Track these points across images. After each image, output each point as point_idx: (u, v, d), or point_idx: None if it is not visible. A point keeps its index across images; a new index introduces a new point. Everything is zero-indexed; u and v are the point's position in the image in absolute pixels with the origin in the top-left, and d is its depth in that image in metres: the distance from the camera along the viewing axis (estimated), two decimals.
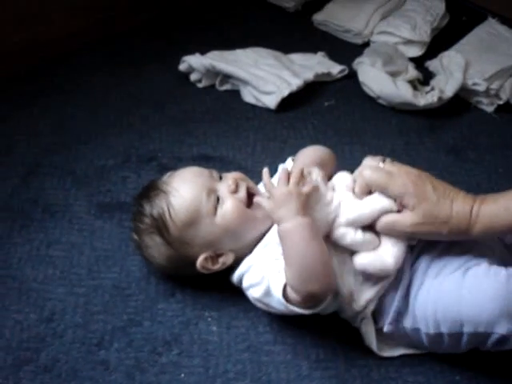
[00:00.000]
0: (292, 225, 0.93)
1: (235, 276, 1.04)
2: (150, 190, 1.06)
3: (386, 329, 0.99)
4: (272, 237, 1.01)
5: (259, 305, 1.01)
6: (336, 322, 1.03)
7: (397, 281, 0.98)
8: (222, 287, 1.08)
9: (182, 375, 0.99)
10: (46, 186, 1.30)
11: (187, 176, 1.06)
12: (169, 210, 1.01)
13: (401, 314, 0.98)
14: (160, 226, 1.02)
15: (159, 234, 1.02)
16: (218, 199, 1.03)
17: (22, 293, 1.09)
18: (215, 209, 1.02)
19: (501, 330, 0.89)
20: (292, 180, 0.95)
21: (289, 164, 1.14)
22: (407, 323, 0.98)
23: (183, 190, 1.03)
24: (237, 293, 1.05)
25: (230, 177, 1.06)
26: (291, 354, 1.02)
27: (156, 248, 1.04)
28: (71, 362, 1.00)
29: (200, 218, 1.01)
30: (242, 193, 1.04)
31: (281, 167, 1.15)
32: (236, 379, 0.98)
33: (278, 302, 0.96)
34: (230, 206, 1.02)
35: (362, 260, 0.95)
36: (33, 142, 1.42)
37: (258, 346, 1.02)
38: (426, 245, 0.99)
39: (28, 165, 1.35)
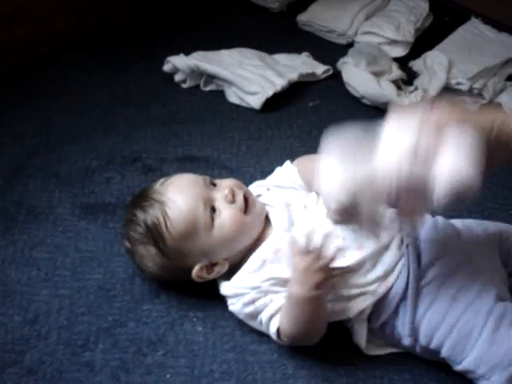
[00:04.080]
0: (304, 295, 0.93)
1: (222, 292, 1.04)
2: (143, 199, 1.04)
3: (379, 329, 0.99)
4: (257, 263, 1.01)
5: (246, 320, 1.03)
6: None
7: (399, 283, 0.97)
8: (207, 288, 1.07)
9: (168, 376, 0.98)
10: (29, 188, 1.29)
11: (182, 185, 1.04)
12: (165, 222, 1.00)
13: (400, 321, 0.97)
14: (156, 237, 1.00)
15: (154, 244, 1.01)
16: (214, 209, 1.01)
17: (5, 295, 1.08)
18: (212, 220, 1.01)
19: (497, 380, 0.90)
20: (325, 260, 0.93)
21: (287, 168, 1.14)
22: (405, 331, 0.97)
23: (179, 200, 1.01)
24: None
25: (226, 185, 1.04)
26: (277, 353, 1.01)
27: (150, 258, 1.03)
28: (56, 364, 0.99)
29: (197, 229, 1.00)
30: (240, 202, 1.03)
31: (278, 170, 1.15)
32: (221, 379, 0.98)
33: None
34: (227, 216, 1.01)
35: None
36: (16, 143, 1.41)
37: (244, 346, 1.02)
38: (435, 259, 0.98)
39: (11, 166, 1.35)
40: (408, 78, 1.64)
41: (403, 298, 0.97)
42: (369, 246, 0.98)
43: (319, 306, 0.95)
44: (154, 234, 1.00)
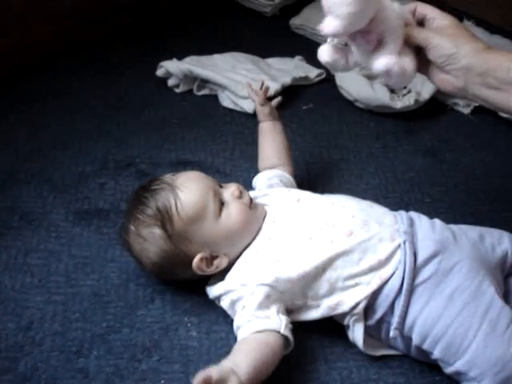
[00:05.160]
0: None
1: (213, 294, 1.05)
2: (154, 184, 1.06)
3: (375, 327, 1.00)
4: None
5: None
6: (316, 325, 1.03)
7: (396, 279, 0.97)
8: (201, 293, 1.07)
9: (163, 381, 0.98)
10: (22, 194, 1.29)
11: (193, 176, 1.08)
12: (176, 204, 1.01)
13: (394, 317, 0.97)
14: (164, 218, 1.01)
15: (161, 226, 1.02)
16: (222, 203, 1.05)
17: None
18: (220, 210, 1.03)
19: None
20: None
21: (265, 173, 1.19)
22: (395, 324, 0.98)
23: (191, 186, 1.04)
24: None
25: (232, 185, 1.08)
26: None
27: (153, 241, 1.03)
28: (50, 371, 0.99)
29: (206, 215, 1.02)
30: (247, 197, 1.07)
31: (259, 176, 1.18)
32: None
33: None
34: (235, 209, 1.04)
35: (386, 60, 0.90)
36: (9, 149, 1.41)
37: None
38: (431, 257, 0.98)
39: (4, 172, 1.34)
40: None
41: (399, 294, 0.97)
42: (359, 234, 1.00)
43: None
44: (163, 216, 1.02)
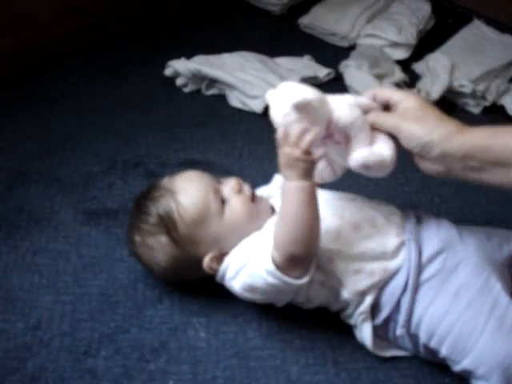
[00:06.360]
0: (294, 186, 0.92)
1: (220, 270, 1.03)
2: (153, 191, 1.05)
3: (383, 326, 0.99)
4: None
5: (245, 294, 1.00)
6: (325, 326, 1.03)
7: (401, 277, 0.98)
8: (209, 293, 1.07)
9: (171, 382, 0.98)
10: (31, 194, 1.29)
11: (190, 177, 1.07)
12: (177, 209, 1.00)
13: (401, 315, 0.97)
14: (168, 224, 1.01)
15: (167, 233, 1.01)
16: (223, 200, 1.03)
17: (7, 301, 1.08)
18: (222, 208, 1.02)
19: (496, 382, 0.90)
20: (301, 146, 0.90)
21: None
22: (401, 322, 0.97)
23: (190, 188, 1.03)
24: (225, 298, 1.05)
25: (231, 179, 1.06)
26: (280, 359, 1.01)
27: (161, 249, 1.02)
28: (58, 371, 0.99)
29: (209, 215, 1.01)
30: (247, 191, 1.05)
31: (276, 177, 1.16)
32: None
33: (262, 279, 0.95)
34: (237, 203, 1.03)
35: (360, 155, 0.91)
36: (17, 148, 1.41)
37: (247, 352, 1.02)
38: (436, 255, 0.98)
39: (13, 172, 1.34)
40: (410, 81, 1.63)
41: (404, 291, 0.97)
42: (365, 228, 1.00)
43: (310, 197, 0.92)
44: (167, 222, 1.01)
